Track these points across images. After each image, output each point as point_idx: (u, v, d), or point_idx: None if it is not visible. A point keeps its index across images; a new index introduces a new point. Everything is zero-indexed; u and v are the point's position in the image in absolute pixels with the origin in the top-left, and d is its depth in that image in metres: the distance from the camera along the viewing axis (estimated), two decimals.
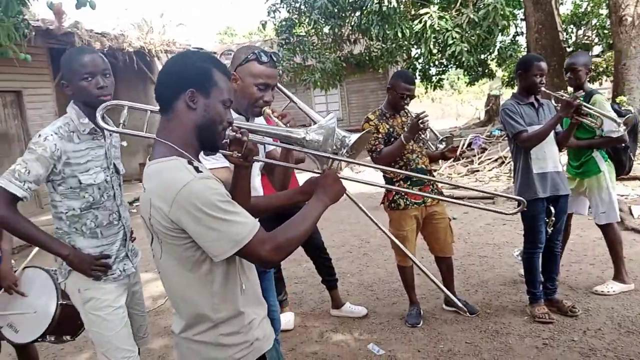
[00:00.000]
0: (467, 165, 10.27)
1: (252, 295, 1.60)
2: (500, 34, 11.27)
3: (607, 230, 3.84)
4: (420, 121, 3.37)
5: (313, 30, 12.77)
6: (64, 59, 2.21)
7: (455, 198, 7.39)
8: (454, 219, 5.98)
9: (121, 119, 1.75)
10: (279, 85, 2.12)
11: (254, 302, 1.60)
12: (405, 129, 3.53)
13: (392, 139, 3.51)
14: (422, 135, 3.54)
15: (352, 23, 12.29)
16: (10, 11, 4.81)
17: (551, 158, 3.43)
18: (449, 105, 28.98)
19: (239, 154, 1.61)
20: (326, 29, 12.73)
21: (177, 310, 1.58)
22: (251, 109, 2.04)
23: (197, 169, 1.42)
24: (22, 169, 2.04)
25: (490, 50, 13.88)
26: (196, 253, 1.45)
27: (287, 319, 3.81)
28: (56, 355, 3.68)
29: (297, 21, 12.93)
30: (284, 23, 12.95)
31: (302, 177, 3.68)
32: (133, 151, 11.90)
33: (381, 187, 2.37)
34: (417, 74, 16.30)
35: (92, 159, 2.18)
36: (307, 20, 12.48)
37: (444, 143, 3.67)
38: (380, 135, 3.52)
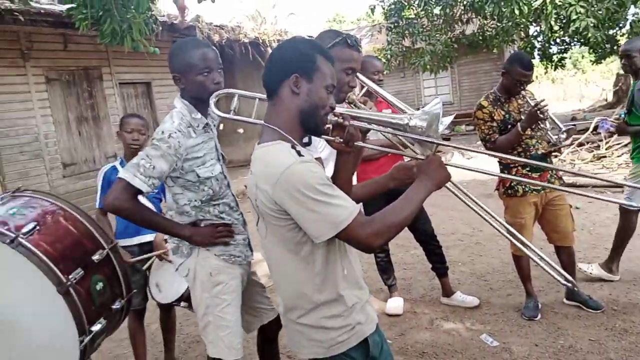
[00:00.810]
0: (592, 151, 9.46)
1: (353, 279, 1.61)
2: (633, 5, 10.18)
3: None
4: (539, 110, 3.16)
5: (423, 12, 12.40)
6: (176, 52, 2.18)
7: (578, 187, 6.88)
8: (576, 208, 5.57)
9: (232, 106, 1.82)
10: (358, 74, 2.04)
11: (355, 286, 1.61)
12: (523, 113, 3.33)
13: (509, 126, 3.33)
14: (542, 125, 3.32)
15: (465, 2, 11.76)
16: (141, 8, 5.23)
17: None
18: (572, 86, 26.83)
19: (341, 139, 1.62)
20: (437, 10, 12.33)
21: (279, 290, 1.64)
22: (337, 94, 1.93)
23: (299, 153, 1.46)
24: (146, 164, 2.03)
25: (621, 25, 12.56)
26: (298, 234, 1.49)
27: (396, 304, 3.81)
28: (188, 316, 4.01)
29: (406, 4, 12.65)
30: (392, 6, 12.74)
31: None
32: (248, 137, 12.47)
33: (495, 175, 2.25)
34: (535, 53, 15.24)
35: (207, 152, 2.19)
36: (416, 2, 12.17)
37: (565, 134, 3.40)
38: (494, 124, 3.35)
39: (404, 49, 13.12)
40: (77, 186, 8.42)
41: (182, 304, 2.89)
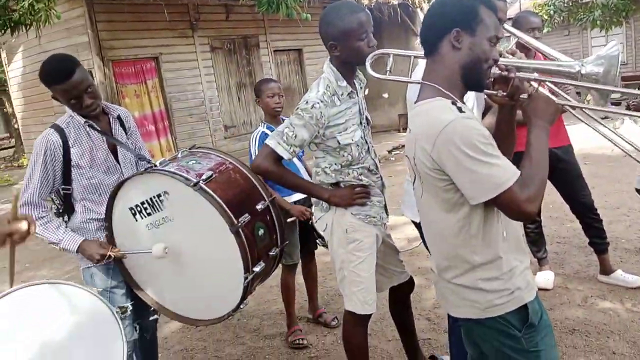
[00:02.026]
0: None
1: (513, 242, 1.54)
2: None
3: None
4: None
5: None
6: (331, 19, 2.14)
7: None
8: None
9: (387, 67, 1.82)
10: (507, 26, 1.96)
11: (515, 249, 1.54)
12: None
13: None
14: None
15: None
16: None
17: None
18: None
19: (504, 93, 1.55)
20: None
21: (433, 250, 1.62)
22: None
23: (460, 109, 1.40)
24: (289, 133, 2.13)
25: None
26: (455, 195, 1.44)
27: (546, 277, 3.62)
28: (332, 271, 4.24)
29: None
30: None
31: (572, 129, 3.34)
32: (392, 102, 12.43)
33: None
34: None
35: (349, 118, 2.21)
36: None
37: None
38: None
39: (570, 4, 11.91)
40: (236, 147, 9.19)
41: None
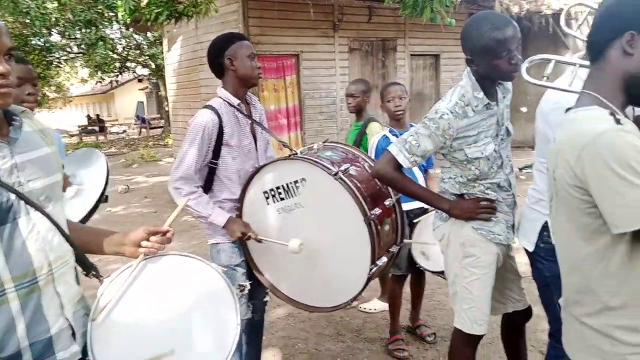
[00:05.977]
0: None
1: None
2: None
3: None
4: None
5: None
6: (471, 32, 2.01)
7: None
8: None
9: (545, 72, 1.71)
10: None
11: None
12: None
13: None
14: None
15: None
16: None
17: None
18: None
19: None
20: None
21: (563, 280, 1.43)
22: None
23: (618, 121, 1.21)
24: (413, 142, 2.08)
25: None
26: (595, 221, 1.24)
27: None
28: (441, 285, 4.12)
29: None
30: None
31: None
32: (530, 118, 11.62)
33: None
34: None
35: (482, 130, 2.09)
36: None
37: None
38: None
39: None
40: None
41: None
